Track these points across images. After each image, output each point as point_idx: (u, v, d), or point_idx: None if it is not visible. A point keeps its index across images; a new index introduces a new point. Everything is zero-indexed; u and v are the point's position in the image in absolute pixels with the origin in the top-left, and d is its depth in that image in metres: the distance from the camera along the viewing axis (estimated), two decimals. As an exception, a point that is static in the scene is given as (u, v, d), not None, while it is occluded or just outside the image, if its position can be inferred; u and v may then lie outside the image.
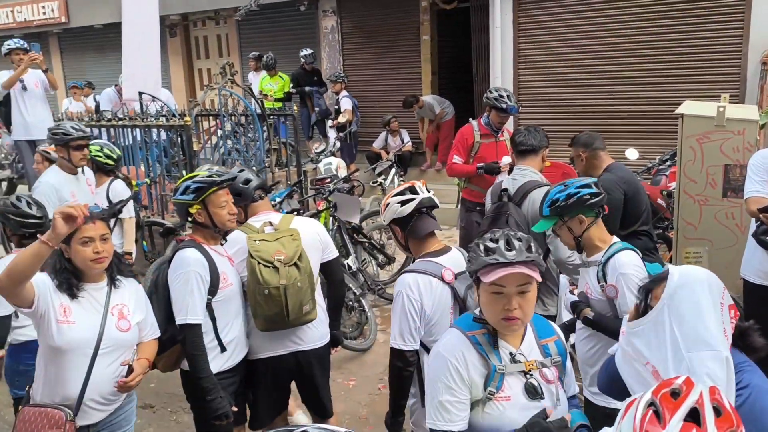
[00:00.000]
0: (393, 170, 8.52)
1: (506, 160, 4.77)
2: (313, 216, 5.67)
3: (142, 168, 6.64)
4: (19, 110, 7.06)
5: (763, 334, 1.79)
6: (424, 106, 9.48)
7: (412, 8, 9.92)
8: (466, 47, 10.15)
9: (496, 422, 1.92)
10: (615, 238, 2.79)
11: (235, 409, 2.93)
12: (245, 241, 3.01)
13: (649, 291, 1.81)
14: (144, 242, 6.23)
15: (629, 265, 2.61)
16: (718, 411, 1.18)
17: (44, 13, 13.57)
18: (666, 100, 7.52)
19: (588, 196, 2.69)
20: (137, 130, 6.57)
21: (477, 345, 1.96)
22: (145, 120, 6.53)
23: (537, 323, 2.08)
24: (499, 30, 8.47)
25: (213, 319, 2.90)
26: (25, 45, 6.92)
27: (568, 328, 3.00)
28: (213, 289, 2.86)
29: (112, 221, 4.78)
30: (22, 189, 9.37)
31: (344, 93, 9.71)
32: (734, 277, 3.67)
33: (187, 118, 6.26)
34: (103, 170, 5.06)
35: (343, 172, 7.26)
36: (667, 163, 6.02)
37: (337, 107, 9.77)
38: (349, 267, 5.58)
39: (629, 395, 1.60)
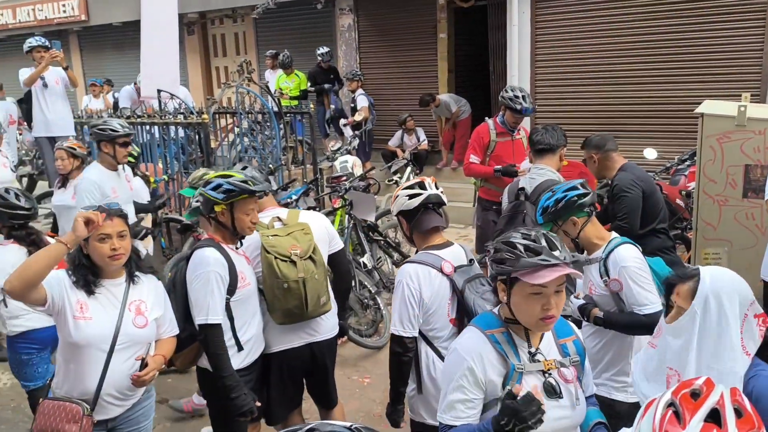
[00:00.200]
0: (408, 168, 8.51)
1: (525, 165, 4.74)
2: (328, 214, 5.68)
3: (160, 165, 6.69)
4: (40, 107, 7.16)
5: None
6: (440, 105, 9.45)
7: (429, 6, 9.87)
8: (483, 45, 10.09)
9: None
10: (613, 234, 2.81)
11: (258, 404, 2.96)
12: (257, 237, 3.03)
13: (673, 286, 1.81)
14: (162, 239, 6.28)
15: (630, 258, 2.65)
16: (739, 412, 1.17)
17: (64, 12, 13.72)
18: (686, 100, 7.43)
19: (575, 198, 2.72)
20: (155, 127, 6.62)
21: (496, 344, 1.95)
22: (163, 117, 6.58)
23: (556, 323, 2.07)
24: (516, 28, 8.40)
25: (231, 319, 2.92)
26: (46, 43, 7.02)
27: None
28: (232, 289, 2.88)
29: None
30: (42, 185, 9.49)
31: (360, 91, 9.71)
32: (754, 280, 3.61)
33: (205, 116, 6.30)
34: (123, 167, 5.10)
35: (359, 170, 7.25)
36: (686, 163, 5.97)
37: (353, 105, 9.78)
38: (365, 265, 5.57)
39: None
